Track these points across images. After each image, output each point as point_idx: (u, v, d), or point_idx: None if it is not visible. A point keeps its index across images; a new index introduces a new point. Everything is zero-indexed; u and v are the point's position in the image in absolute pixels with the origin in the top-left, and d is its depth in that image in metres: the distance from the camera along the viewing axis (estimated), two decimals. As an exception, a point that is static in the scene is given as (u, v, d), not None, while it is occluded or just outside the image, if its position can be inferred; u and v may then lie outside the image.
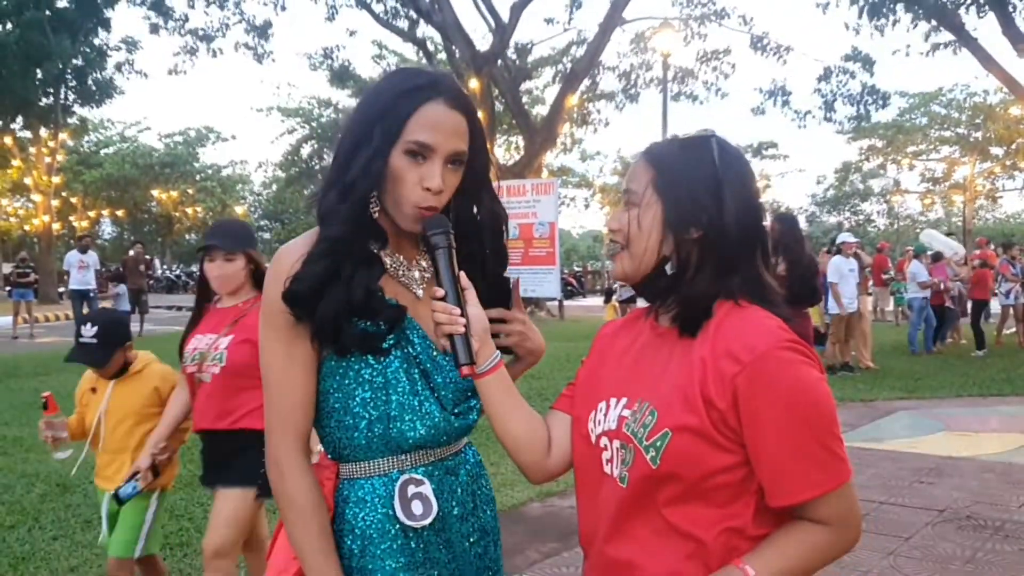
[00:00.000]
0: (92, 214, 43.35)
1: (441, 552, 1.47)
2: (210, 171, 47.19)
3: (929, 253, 14.37)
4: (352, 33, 43.10)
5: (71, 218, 40.00)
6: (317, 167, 36.40)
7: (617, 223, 1.35)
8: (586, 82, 24.67)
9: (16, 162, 30.13)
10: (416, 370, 1.43)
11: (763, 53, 22.35)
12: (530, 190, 14.18)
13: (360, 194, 1.39)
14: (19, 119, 28.25)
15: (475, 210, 1.51)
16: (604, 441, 1.33)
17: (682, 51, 23.62)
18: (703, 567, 1.23)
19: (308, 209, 1.54)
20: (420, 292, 1.49)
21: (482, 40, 21.91)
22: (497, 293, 1.52)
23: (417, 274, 1.50)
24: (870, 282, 14.84)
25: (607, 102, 28.67)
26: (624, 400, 1.32)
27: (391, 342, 1.41)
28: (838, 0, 19.09)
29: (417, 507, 1.42)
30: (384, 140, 1.37)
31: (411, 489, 1.43)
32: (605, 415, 1.34)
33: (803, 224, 35.66)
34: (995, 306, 14.23)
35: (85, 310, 14.80)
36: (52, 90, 27.06)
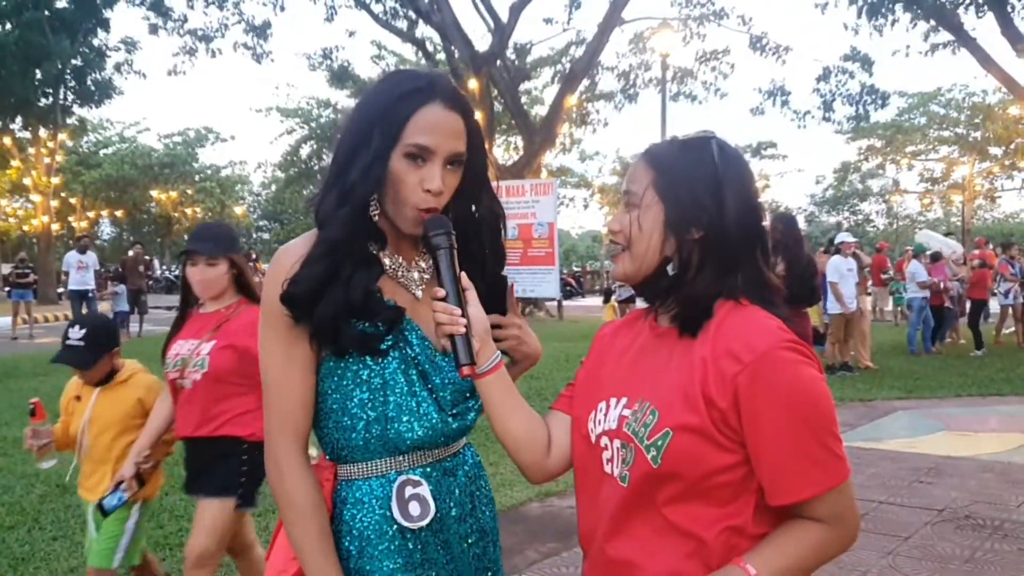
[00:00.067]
0: (91, 214, 43.33)
1: (439, 553, 1.47)
2: (209, 171, 47.18)
3: (928, 253, 14.38)
4: (351, 34, 43.15)
5: (70, 218, 39.97)
6: (316, 167, 36.40)
7: (618, 224, 1.36)
8: (585, 82, 24.69)
9: (15, 162, 30.11)
10: (414, 371, 1.43)
11: (762, 53, 22.38)
12: (529, 190, 14.19)
13: (360, 197, 1.39)
14: (18, 119, 28.23)
15: (474, 209, 1.52)
16: (604, 441, 1.33)
17: (681, 51, 23.67)
18: (703, 566, 1.23)
19: (307, 210, 1.54)
20: (419, 293, 1.49)
21: (481, 40, 21.95)
22: (495, 293, 1.53)
23: (416, 275, 1.50)
24: (869, 282, 14.84)
25: (606, 102, 28.70)
26: (624, 400, 1.32)
27: (389, 343, 1.41)
28: (837, 0, 19.12)
29: (415, 508, 1.43)
30: (383, 144, 1.37)
31: (409, 490, 1.43)
32: (605, 415, 1.35)
33: (802, 224, 35.64)
34: (994, 306, 14.24)
35: (84, 311, 14.82)
36: (51, 90, 27.03)
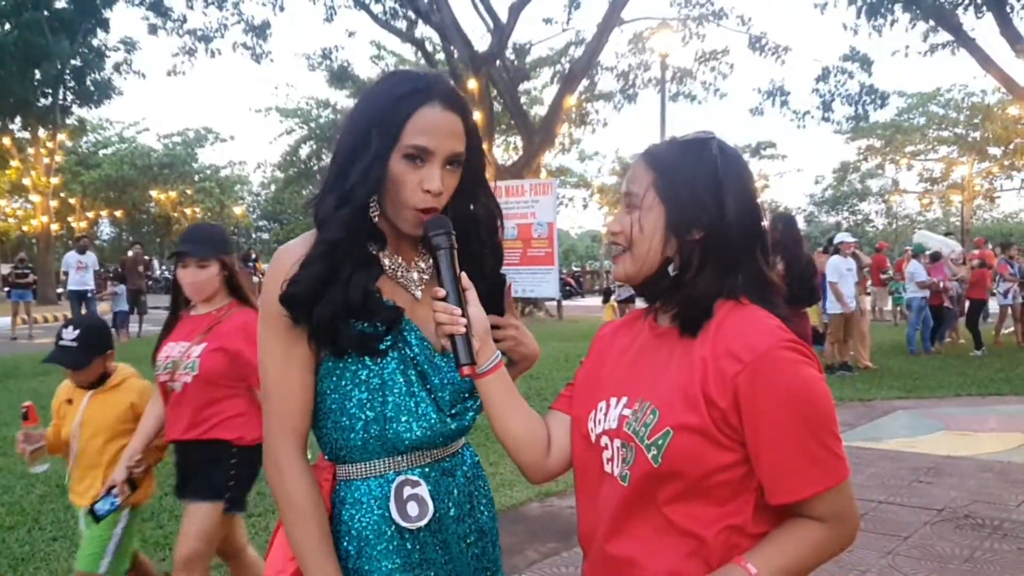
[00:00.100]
0: (91, 215, 43.33)
1: (437, 553, 1.47)
2: (208, 172, 47.19)
3: (928, 253, 14.38)
4: (351, 34, 43.24)
5: (69, 219, 39.97)
6: (316, 168, 36.42)
7: (619, 225, 1.36)
8: (584, 82, 24.70)
9: (15, 163, 30.09)
10: (413, 371, 1.44)
11: (761, 53, 22.39)
12: (528, 190, 14.18)
13: (359, 199, 1.40)
14: (17, 120, 28.22)
15: (472, 208, 1.52)
16: (605, 440, 1.34)
17: (680, 51, 23.69)
18: (703, 565, 1.24)
19: (306, 210, 1.55)
20: (419, 293, 1.49)
21: (480, 40, 21.94)
22: (494, 293, 1.53)
23: (416, 275, 1.50)
24: (868, 282, 14.85)
25: (605, 102, 28.71)
26: (624, 399, 1.33)
27: (388, 343, 1.41)
28: (836, 0, 19.13)
29: (413, 508, 1.43)
30: (382, 146, 1.38)
31: (407, 490, 1.44)
32: (605, 415, 1.35)
33: (801, 224, 35.66)
34: (993, 306, 14.25)
35: (84, 311, 14.82)
36: (51, 91, 27.04)
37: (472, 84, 20.04)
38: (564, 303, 22.54)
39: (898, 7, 18.14)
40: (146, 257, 15.45)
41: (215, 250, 2.95)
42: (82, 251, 15.80)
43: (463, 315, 1.35)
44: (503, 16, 21.15)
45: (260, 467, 3.01)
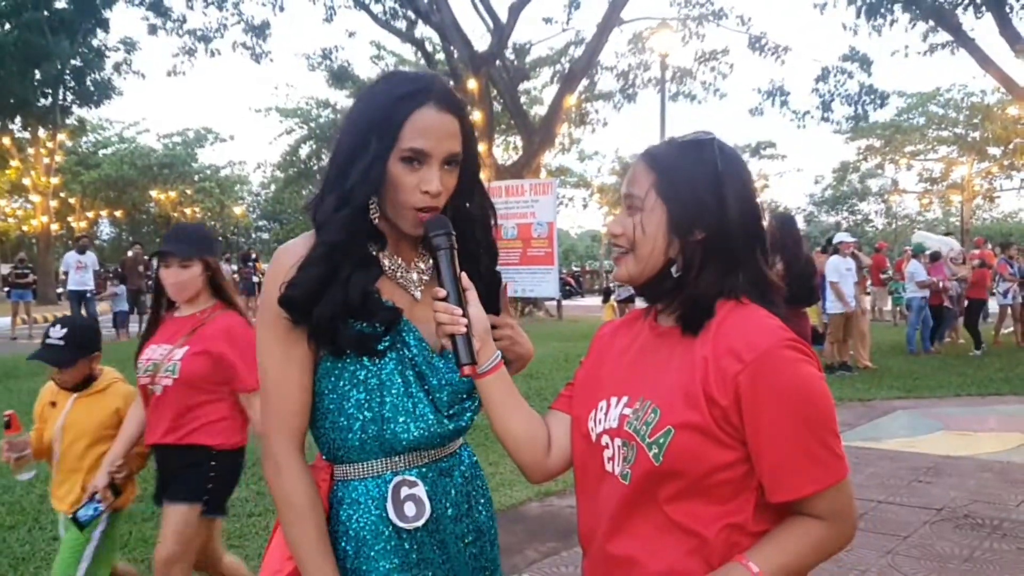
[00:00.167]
0: (90, 215, 43.30)
1: (435, 553, 1.48)
2: (208, 172, 47.14)
3: (927, 253, 14.38)
4: (351, 34, 43.27)
5: (69, 219, 39.95)
6: (315, 168, 36.42)
7: (620, 227, 1.36)
8: (584, 82, 24.71)
9: (15, 163, 30.10)
10: (411, 372, 1.44)
11: (761, 53, 22.41)
12: (528, 190, 14.19)
13: (358, 201, 1.41)
14: (17, 120, 28.23)
15: (467, 207, 1.53)
16: (605, 439, 1.34)
17: (680, 51, 23.70)
18: (704, 563, 1.24)
19: (306, 211, 1.55)
20: (418, 294, 1.50)
21: (480, 40, 21.96)
22: (490, 291, 1.53)
23: (415, 276, 1.51)
24: (868, 281, 14.86)
25: (605, 102, 28.74)
26: (625, 399, 1.33)
27: (387, 344, 1.42)
28: (836, 0, 19.14)
29: (410, 508, 1.44)
30: (380, 148, 1.38)
31: (404, 491, 1.44)
32: (606, 414, 1.35)
33: (801, 224, 35.68)
34: (993, 306, 14.25)
35: (83, 311, 14.83)
36: (50, 91, 27.05)
37: (472, 84, 20.05)
38: (564, 303, 22.54)
39: (898, 7, 18.15)
40: (146, 257, 15.42)
41: (198, 250, 2.90)
42: (82, 251, 15.81)
43: (464, 315, 1.35)
44: (503, 16, 21.18)
45: (241, 471, 2.98)
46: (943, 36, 18.83)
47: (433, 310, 1.37)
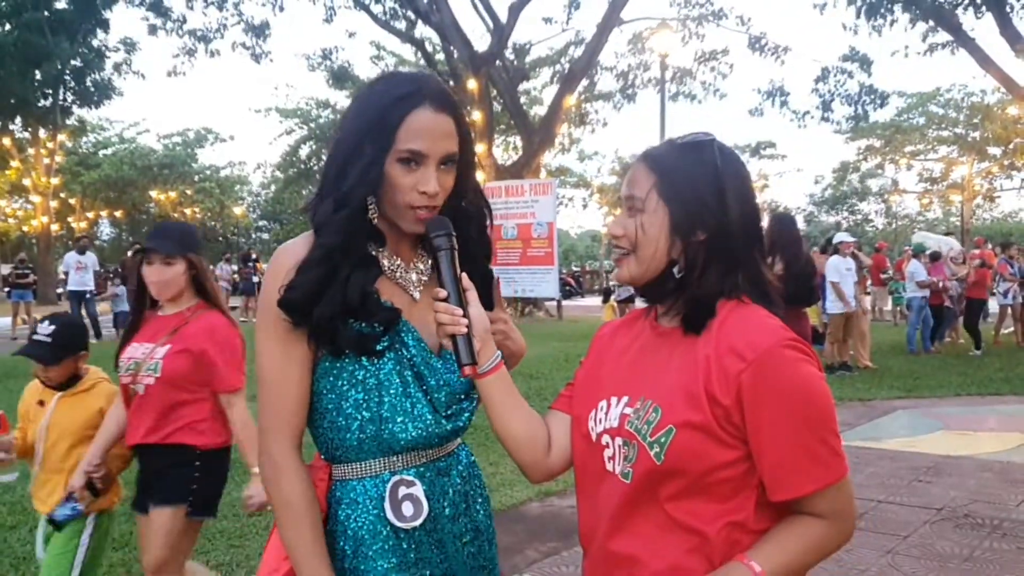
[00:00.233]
0: (91, 215, 43.28)
1: (433, 552, 1.48)
2: (208, 172, 47.13)
3: (928, 252, 14.38)
4: (351, 35, 43.27)
5: (70, 219, 39.93)
6: (315, 168, 36.41)
7: (621, 228, 1.36)
8: (584, 82, 24.72)
9: (15, 163, 30.11)
10: (409, 372, 1.44)
11: (761, 53, 22.40)
12: (528, 190, 14.17)
13: (356, 203, 1.41)
14: (18, 120, 28.24)
15: (463, 205, 1.53)
16: (606, 439, 1.35)
17: (680, 51, 23.72)
18: (705, 561, 1.25)
19: (305, 213, 1.56)
20: (417, 295, 1.50)
21: (480, 40, 21.96)
22: (485, 288, 1.54)
23: (414, 276, 1.51)
24: (868, 281, 14.86)
25: (605, 102, 28.76)
26: (625, 398, 1.34)
27: (385, 344, 1.42)
28: (836, 0, 19.15)
29: (408, 508, 1.44)
30: (376, 151, 1.39)
31: (402, 490, 1.44)
32: (606, 413, 1.36)
33: (801, 224, 35.70)
34: (993, 306, 14.25)
35: (83, 311, 14.83)
36: (51, 91, 27.04)
37: (472, 84, 20.05)
38: (564, 303, 22.55)
39: (898, 7, 18.16)
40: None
41: (182, 247, 2.85)
42: (82, 251, 15.82)
43: (464, 315, 1.36)
44: (503, 16, 21.18)
45: (228, 471, 2.92)
46: (943, 36, 18.83)
47: (434, 310, 1.38)
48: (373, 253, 1.46)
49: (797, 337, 1.26)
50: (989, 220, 50.52)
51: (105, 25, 27.23)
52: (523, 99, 26.94)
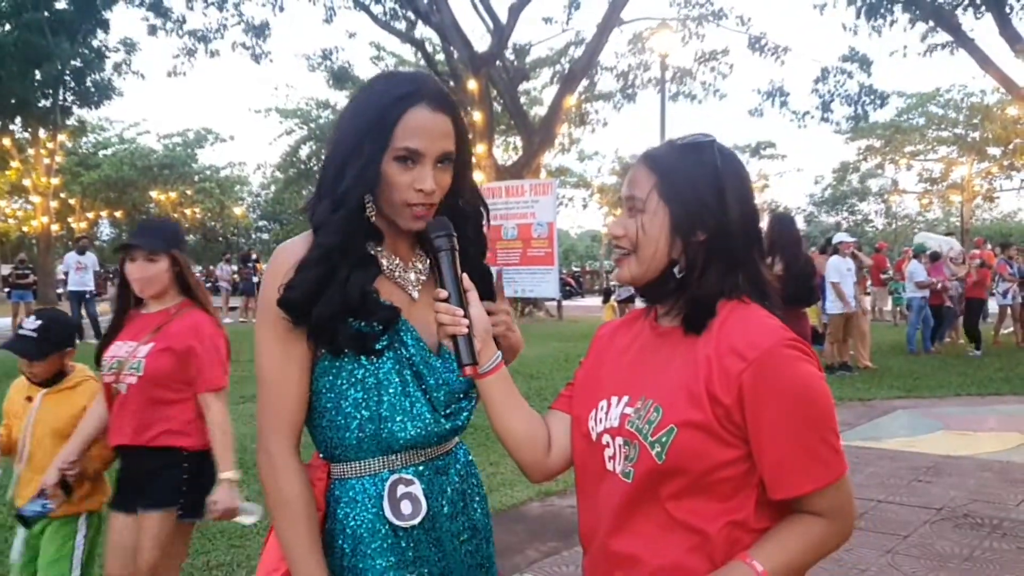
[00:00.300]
0: (91, 215, 43.28)
1: (431, 550, 1.49)
2: (208, 172, 47.11)
3: (927, 253, 14.39)
4: (351, 35, 43.25)
5: (70, 219, 39.92)
6: (315, 168, 36.41)
7: (621, 229, 1.37)
8: (584, 82, 24.72)
9: (15, 163, 30.07)
10: (408, 371, 1.45)
11: (761, 53, 22.39)
12: (528, 190, 14.17)
13: (354, 202, 1.42)
14: (18, 120, 28.21)
15: (459, 203, 1.54)
16: (606, 439, 1.35)
17: (680, 51, 23.70)
18: (706, 559, 1.25)
19: (304, 213, 1.56)
20: (415, 294, 1.51)
21: (480, 41, 21.94)
22: (484, 282, 1.54)
23: (413, 276, 1.52)
24: (868, 281, 14.86)
25: (605, 102, 28.74)
26: (626, 398, 1.34)
27: (384, 343, 1.43)
28: (835, 1, 19.16)
29: (406, 507, 1.44)
30: (374, 150, 1.40)
31: (401, 489, 1.45)
32: (606, 413, 1.36)
33: (801, 224, 35.70)
34: (993, 306, 14.25)
35: (83, 312, 14.83)
36: (51, 91, 27.01)
37: (472, 84, 20.05)
38: (564, 303, 22.55)
39: (897, 7, 18.16)
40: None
41: (166, 244, 2.81)
42: (82, 252, 15.81)
43: (465, 316, 1.36)
44: (503, 16, 21.17)
45: (216, 471, 2.86)
46: (943, 36, 18.82)
47: (435, 311, 1.38)
48: (372, 252, 1.47)
49: (797, 337, 1.26)
50: (989, 220, 50.52)
51: (105, 25, 27.20)
52: (523, 99, 26.94)
